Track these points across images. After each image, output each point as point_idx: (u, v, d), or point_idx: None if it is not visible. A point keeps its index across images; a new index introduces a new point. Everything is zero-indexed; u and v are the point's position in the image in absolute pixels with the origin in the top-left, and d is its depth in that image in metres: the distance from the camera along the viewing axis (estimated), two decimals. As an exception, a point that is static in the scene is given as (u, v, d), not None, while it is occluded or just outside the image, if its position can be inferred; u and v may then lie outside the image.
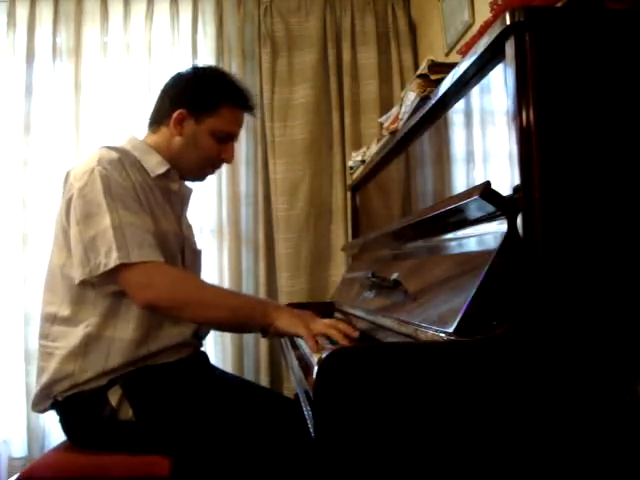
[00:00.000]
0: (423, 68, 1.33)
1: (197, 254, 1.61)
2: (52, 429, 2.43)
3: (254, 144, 2.65)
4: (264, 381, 2.49)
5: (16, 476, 1.31)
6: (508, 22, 0.86)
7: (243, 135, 2.64)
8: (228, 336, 2.51)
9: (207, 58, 2.62)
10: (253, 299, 1.73)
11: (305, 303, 2.00)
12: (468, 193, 0.93)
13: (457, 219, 1.04)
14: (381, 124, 1.83)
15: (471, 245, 1.00)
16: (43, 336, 1.37)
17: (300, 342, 1.33)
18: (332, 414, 0.82)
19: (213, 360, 1.95)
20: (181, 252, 1.47)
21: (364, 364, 0.83)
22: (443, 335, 0.86)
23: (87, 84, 2.58)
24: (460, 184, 1.15)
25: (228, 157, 1.51)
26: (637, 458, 0.81)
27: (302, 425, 1.01)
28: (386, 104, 2.57)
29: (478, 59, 0.98)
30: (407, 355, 0.83)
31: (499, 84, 0.94)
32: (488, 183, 0.88)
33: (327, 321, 1.30)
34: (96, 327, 1.30)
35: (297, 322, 1.28)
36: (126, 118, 2.55)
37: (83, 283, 1.30)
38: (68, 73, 2.58)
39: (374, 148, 1.89)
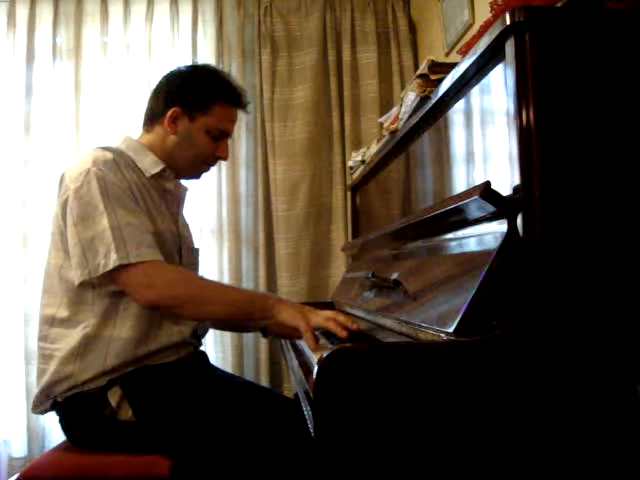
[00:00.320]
0: (423, 68, 1.33)
1: (195, 252, 1.61)
2: (52, 429, 2.43)
3: (254, 144, 2.65)
4: (264, 381, 2.49)
5: (16, 476, 1.31)
6: (508, 22, 0.86)
7: (243, 135, 2.64)
8: (228, 336, 2.51)
9: (207, 58, 2.61)
10: (253, 293, 1.73)
11: (305, 303, 1.99)
12: (468, 193, 0.93)
13: (457, 219, 1.04)
14: (381, 124, 1.83)
15: (471, 245, 1.00)
16: (42, 338, 1.37)
17: (300, 342, 1.33)
18: (332, 414, 0.82)
19: (213, 360, 1.94)
20: (178, 251, 1.48)
21: (364, 364, 0.83)
22: (443, 335, 0.86)
23: (87, 84, 2.58)
24: (460, 184, 1.15)
25: (223, 154, 1.51)
26: (637, 458, 0.81)
27: (302, 425, 1.01)
28: (386, 104, 2.57)
29: (478, 59, 0.98)
30: (407, 355, 0.83)
31: (499, 84, 0.94)
32: (488, 183, 0.88)
33: (326, 313, 1.30)
34: (95, 328, 1.31)
35: (296, 314, 1.28)
36: (126, 118, 2.55)
37: (82, 284, 1.30)
38: (68, 73, 2.58)
39: (374, 148, 1.89)
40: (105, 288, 1.31)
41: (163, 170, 1.45)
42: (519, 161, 0.86)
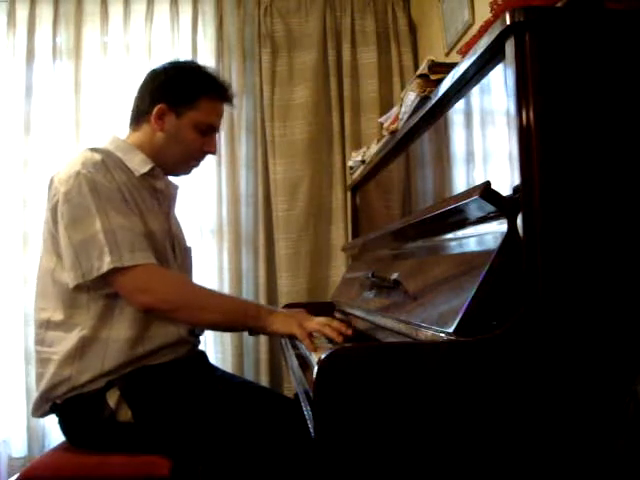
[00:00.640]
0: (423, 68, 1.33)
1: (187, 252, 1.61)
2: (52, 429, 2.43)
3: (254, 144, 2.65)
4: (264, 381, 2.49)
5: (16, 476, 1.31)
6: (508, 22, 0.86)
7: (243, 135, 2.64)
8: (228, 336, 2.51)
9: (207, 58, 2.62)
10: (247, 303, 1.73)
11: (305, 303, 2.00)
12: (468, 193, 0.93)
13: (457, 219, 1.04)
14: (381, 124, 1.83)
15: (471, 245, 1.00)
16: (38, 342, 1.37)
17: (299, 342, 1.33)
18: (332, 414, 0.82)
19: (213, 360, 1.94)
20: (171, 250, 1.47)
21: (364, 364, 0.83)
22: (443, 335, 0.86)
23: (87, 84, 2.58)
24: (460, 184, 1.15)
25: (211, 149, 1.51)
26: (637, 458, 0.81)
27: (302, 425, 1.01)
28: (386, 104, 2.56)
29: (478, 59, 0.98)
30: (407, 355, 0.83)
31: (499, 84, 0.94)
32: (488, 183, 0.88)
33: (321, 319, 1.31)
34: (91, 330, 1.30)
35: (291, 322, 1.30)
36: (126, 118, 2.54)
37: (77, 287, 1.29)
38: (68, 73, 2.58)
39: (374, 148, 1.89)
40: (99, 291, 1.31)
41: (152, 169, 1.45)
42: (519, 161, 0.86)
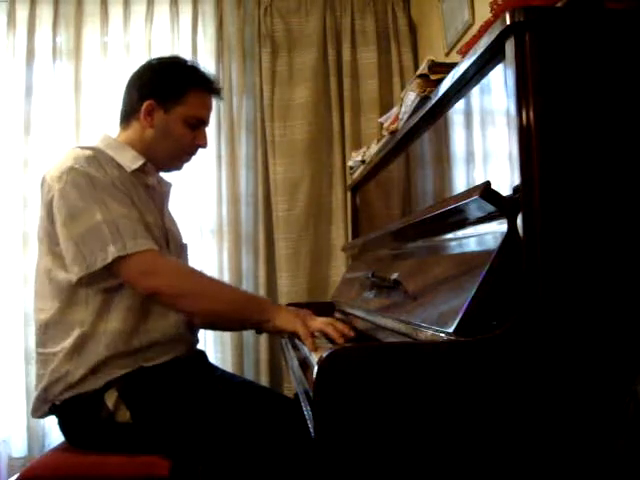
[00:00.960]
0: (423, 68, 1.33)
1: (183, 248, 1.60)
2: (52, 429, 2.43)
3: (254, 144, 2.65)
4: (264, 381, 2.49)
5: (16, 476, 1.31)
6: (508, 22, 0.86)
7: (243, 135, 2.64)
8: (228, 336, 2.51)
9: (207, 58, 2.62)
10: (251, 295, 1.73)
11: (305, 303, 2.00)
12: (468, 193, 0.93)
13: (457, 219, 1.04)
14: (381, 124, 1.83)
15: (471, 245, 1.00)
16: (39, 344, 1.37)
17: (300, 342, 1.33)
18: (332, 414, 0.82)
19: (213, 360, 1.94)
20: (167, 245, 1.47)
21: (364, 364, 0.83)
22: (443, 335, 0.86)
23: (87, 84, 2.58)
24: (460, 184, 1.15)
25: (202, 142, 1.51)
26: (637, 458, 0.81)
27: (302, 425, 1.01)
28: (386, 104, 2.57)
29: (478, 59, 0.98)
30: (407, 355, 0.83)
31: (499, 84, 0.94)
32: (488, 183, 0.88)
33: (324, 319, 1.31)
34: (90, 325, 1.30)
35: (294, 320, 1.29)
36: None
37: (75, 283, 1.29)
38: (68, 73, 2.58)
39: (374, 148, 1.89)
40: (97, 285, 1.31)
41: (144, 165, 1.45)
42: (519, 161, 0.86)
